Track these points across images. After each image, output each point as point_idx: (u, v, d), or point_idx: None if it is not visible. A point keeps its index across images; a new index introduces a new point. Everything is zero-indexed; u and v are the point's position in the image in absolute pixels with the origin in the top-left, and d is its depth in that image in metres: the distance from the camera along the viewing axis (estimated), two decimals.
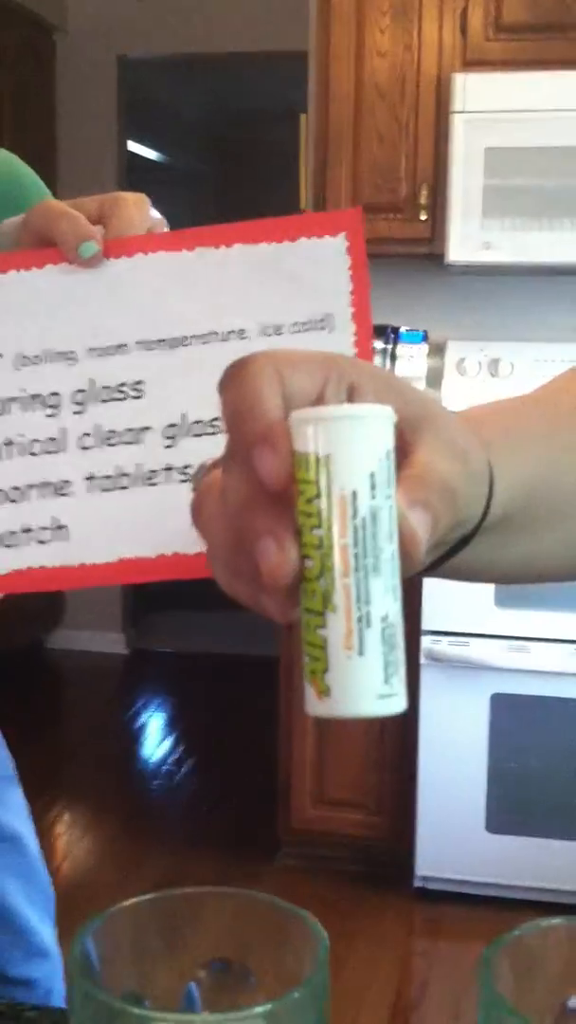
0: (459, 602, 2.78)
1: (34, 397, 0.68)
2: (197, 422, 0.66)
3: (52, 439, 0.67)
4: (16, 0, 4.51)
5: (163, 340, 0.67)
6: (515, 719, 2.81)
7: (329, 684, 0.45)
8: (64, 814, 3.47)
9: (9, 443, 0.68)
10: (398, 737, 2.90)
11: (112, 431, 0.67)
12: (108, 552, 0.66)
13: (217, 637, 5.13)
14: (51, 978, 1.40)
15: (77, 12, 4.91)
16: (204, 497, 0.49)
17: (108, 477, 0.67)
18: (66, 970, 0.50)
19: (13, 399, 0.68)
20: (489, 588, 2.75)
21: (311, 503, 0.44)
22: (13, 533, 0.67)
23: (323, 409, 0.44)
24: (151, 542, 0.66)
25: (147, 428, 0.67)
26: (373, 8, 3.03)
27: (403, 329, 3.24)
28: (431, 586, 2.76)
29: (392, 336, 3.22)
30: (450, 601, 2.77)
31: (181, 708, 4.51)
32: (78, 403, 0.67)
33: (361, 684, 0.45)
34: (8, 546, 0.67)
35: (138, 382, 0.67)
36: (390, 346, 3.22)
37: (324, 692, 0.45)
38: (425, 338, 3.28)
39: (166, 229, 0.73)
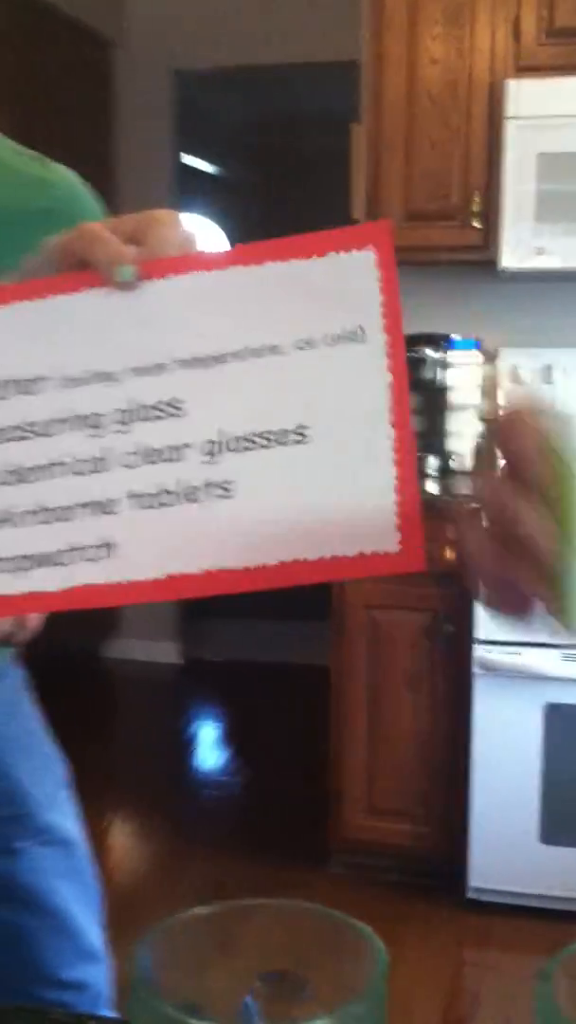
0: None
1: (79, 418, 0.69)
2: (235, 438, 0.67)
3: (96, 458, 0.69)
4: (74, 15, 4.55)
5: (199, 358, 0.68)
6: (569, 728, 2.78)
7: None
8: (117, 821, 3.49)
9: (55, 464, 0.69)
10: (450, 747, 2.88)
11: (153, 449, 0.68)
12: (155, 568, 0.67)
13: (268, 646, 5.14)
14: (101, 982, 1.41)
15: (134, 27, 4.95)
16: (467, 527, 0.61)
17: (151, 495, 0.68)
18: (128, 979, 0.50)
19: (60, 420, 0.70)
20: None
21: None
22: (61, 552, 0.68)
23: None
24: (196, 558, 0.66)
25: (187, 445, 0.68)
26: (426, 16, 3.03)
27: (456, 337, 3.23)
28: None
29: (445, 344, 3.21)
30: None
31: (233, 717, 4.52)
32: (121, 423, 0.69)
33: None
34: (57, 564, 0.68)
35: (177, 400, 0.68)
36: (443, 354, 3.20)
37: None
38: (478, 345, 3.26)
39: (198, 245, 0.73)
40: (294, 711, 4.38)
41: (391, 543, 0.64)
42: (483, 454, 3.19)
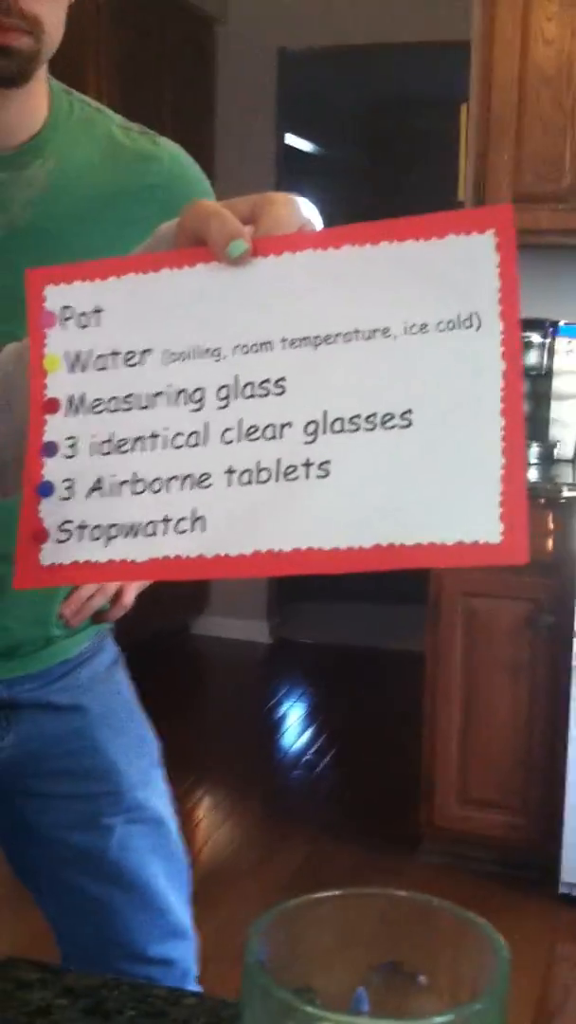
0: None
1: (179, 392, 0.69)
2: (338, 419, 0.66)
3: (195, 433, 0.69)
4: None
5: (307, 338, 0.68)
6: None
7: None
8: (205, 799, 3.52)
9: (154, 436, 0.70)
10: (546, 738, 2.85)
11: (253, 426, 0.68)
12: (245, 544, 0.67)
13: (359, 630, 5.13)
14: (187, 959, 1.42)
15: (238, 4, 4.95)
16: None
17: (248, 471, 0.67)
18: (242, 961, 0.50)
19: (159, 393, 0.70)
20: None
21: None
22: (153, 523, 0.69)
23: None
24: (289, 536, 0.66)
25: (288, 424, 0.67)
26: None
27: (562, 322, 3.18)
28: None
29: (551, 329, 3.15)
30: None
31: (323, 699, 4.53)
32: (222, 398, 0.69)
33: None
34: (149, 535, 0.68)
35: (281, 379, 0.68)
36: (548, 340, 3.15)
37: None
38: None
39: (318, 228, 0.73)
40: (385, 696, 4.37)
41: (494, 534, 0.62)
42: None
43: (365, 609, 5.12)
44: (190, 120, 4.73)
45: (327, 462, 0.66)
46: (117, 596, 1.35)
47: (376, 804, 3.45)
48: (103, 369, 0.71)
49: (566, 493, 2.80)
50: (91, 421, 0.71)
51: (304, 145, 6.87)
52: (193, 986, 1.43)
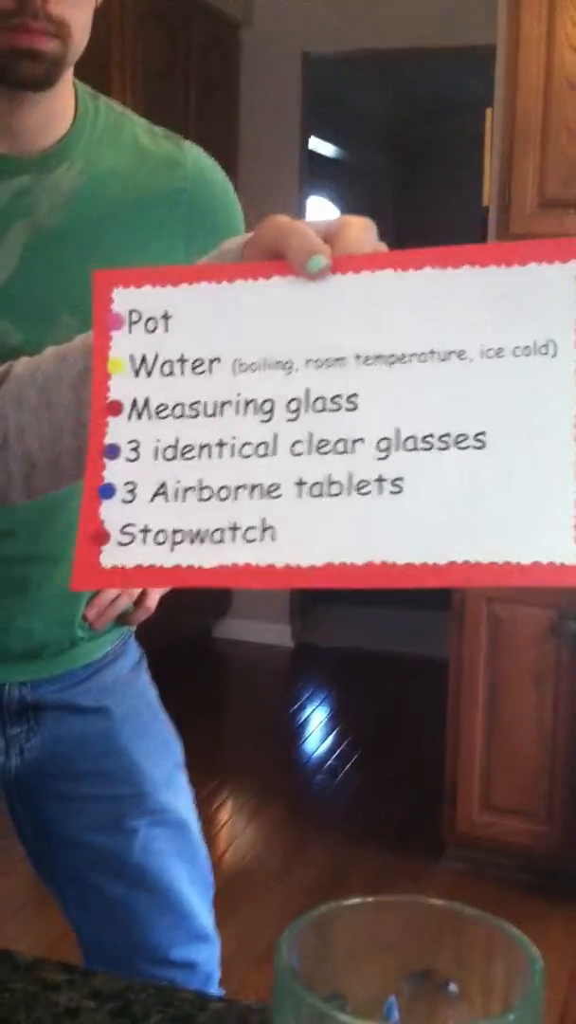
0: None
1: (248, 403, 0.70)
2: (411, 437, 0.68)
3: (263, 443, 0.70)
4: None
5: (381, 356, 0.69)
6: None
7: None
8: (228, 802, 3.52)
9: (220, 444, 0.70)
10: (571, 745, 2.84)
11: (324, 440, 0.69)
12: (315, 555, 0.67)
13: (382, 634, 5.12)
14: (210, 962, 1.42)
15: (263, 8, 4.95)
16: None
17: (318, 484, 0.68)
18: (274, 967, 0.50)
19: (227, 403, 0.71)
20: None
21: None
22: (220, 530, 0.69)
23: None
24: (361, 549, 0.67)
25: (360, 439, 0.68)
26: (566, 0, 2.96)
27: None
28: None
29: None
30: None
31: (345, 704, 4.52)
32: (292, 411, 0.70)
33: None
34: (217, 542, 0.69)
35: (353, 395, 0.69)
36: None
37: None
38: None
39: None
40: (409, 702, 4.36)
41: (569, 555, 0.64)
42: None
43: (388, 614, 5.11)
44: (214, 124, 4.74)
45: (400, 479, 0.67)
46: (140, 599, 1.35)
47: (399, 810, 3.44)
48: (169, 375, 0.72)
49: None
50: (155, 426, 0.72)
51: (328, 149, 6.88)
52: (215, 990, 1.43)
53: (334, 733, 4.15)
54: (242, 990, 2.35)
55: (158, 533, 0.70)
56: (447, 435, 0.67)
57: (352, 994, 0.55)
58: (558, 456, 0.65)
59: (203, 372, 0.71)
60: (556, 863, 2.90)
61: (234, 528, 0.69)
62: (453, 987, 0.55)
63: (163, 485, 0.71)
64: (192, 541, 0.69)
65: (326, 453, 0.68)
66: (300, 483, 0.68)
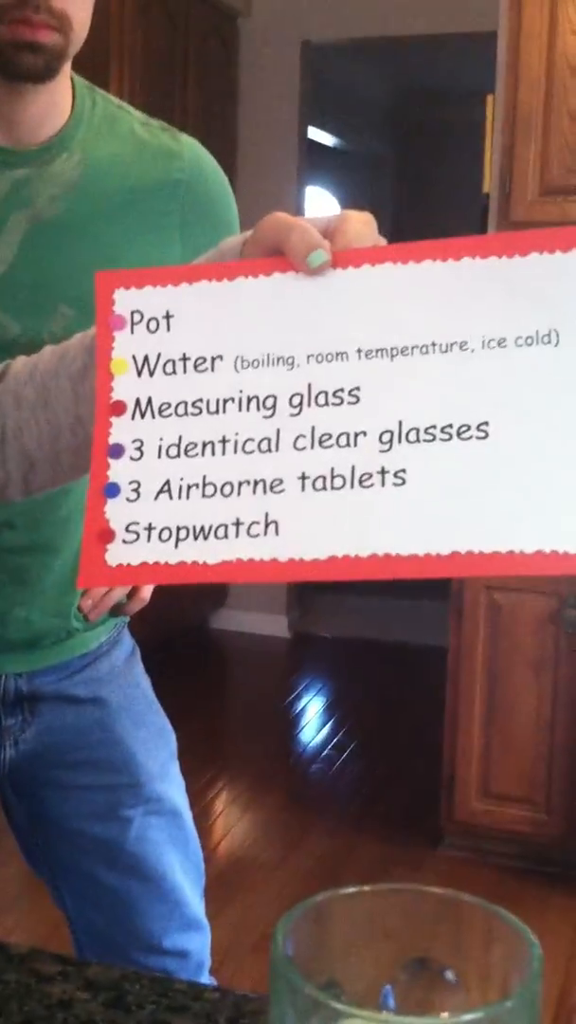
0: None
1: (251, 399, 0.71)
2: (413, 429, 0.68)
3: (266, 439, 0.70)
4: None
5: (383, 349, 0.69)
6: None
7: None
8: (224, 793, 3.52)
9: (223, 440, 0.71)
10: (569, 733, 2.84)
11: (327, 434, 0.69)
12: (319, 549, 0.68)
13: (379, 624, 5.12)
14: (202, 951, 1.43)
15: None
16: None
17: (321, 477, 0.69)
18: (271, 960, 0.50)
19: (230, 399, 0.71)
20: None
21: None
22: (225, 526, 0.69)
23: None
24: (364, 541, 0.67)
25: (362, 432, 0.68)
26: None
27: None
28: None
29: None
30: None
31: (342, 693, 4.52)
32: (294, 406, 0.70)
33: None
34: (220, 538, 0.69)
35: (355, 388, 0.69)
36: None
37: None
38: None
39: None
40: (406, 690, 4.36)
41: (573, 543, 0.64)
42: None
43: (385, 603, 5.11)
44: (213, 113, 4.72)
45: (403, 471, 0.67)
46: (134, 590, 1.36)
47: (397, 798, 3.44)
48: (172, 374, 0.73)
49: None
50: (158, 424, 0.72)
51: (327, 138, 6.86)
52: (207, 978, 1.43)
53: (331, 723, 4.16)
54: (238, 979, 2.35)
55: (163, 530, 0.70)
56: (450, 426, 0.67)
57: (349, 982, 0.54)
58: (562, 445, 0.65)
59: (205, 370, 0.72)
60: (554, 850, 2.90)
61: (237, 523, 0.69)
62: (450, 974, 0.55)
63: (167, 483, 0.71)
64: (196, 537, 0.70)
65: (329, 447, 0.69)
66: (303, 477, 0.69)
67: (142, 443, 0.72)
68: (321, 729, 4.11)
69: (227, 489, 0.70)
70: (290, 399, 0.70)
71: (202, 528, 0.70)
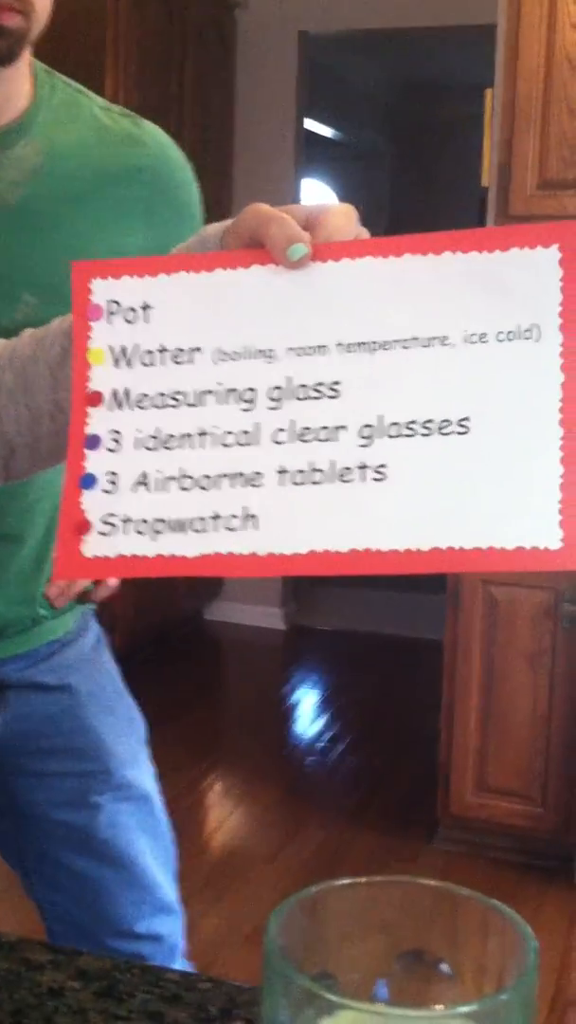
0: None
1: (230, 391, 0.70)
2: (394, 423, 0.67)
3: (245, 432, 0.70)
4: None
5: (363, 343, 0.69)
6: None
7: None
8: (218, 784, 3.52)
9: (202, 433, 0.70)
10: (566, 727, 2.84)
11: (307, 428, 0.69)
12: (298, 543, 0.67)
13: (375, 617, 5.12)
14: (175, 934, 1.45)
15: None
16: None
17: (301, 471, 0.68)
18: (264, 951, 0.49)
19: (208, 392, 0.71)
20: None
21: None
22: (203, 519, 0.69)
23: None
24: (344, 536, 0.67)
25: (342, 427, 0.68)
26: None
27: None
28: None
29: None
30: None
31: (338, 686, 4.52)
32: (274, 399, 0.70)
33: None
34: (198, 531, 0.69)
35: (336, 382, 0.69)
36: None
37: None
38: None
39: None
40: (402, 684, 4.36)
41: (554, 540, 0.64)
42: None
43: (381, 596, 5.11)
44: (210, 104, 4.71)
45: (383, 466, 0.67)
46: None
47: (392, 791, 3.44)
48: (150, 365, 0.72)
49: None
50: (136, 416, 0.72)
51: (324, 130, 6.84)
52: (181, 961, 1.45)
53: (326, 715, 4.16)
54: (233, 970, 2.35)
55: (140, 523, 0.70)
56: (430, 421, 0.67)
57: (343, 974, 0.54)
58: (543, 440, 0.65)
59: (184, 362, 0.71)
60: (550, 844, 2.90)
61: (216, 517, 0.69)
62: (445, 967, 0.55)
63: (145, 475, 0.71)
64: (174, 530, 0.69)
65: (308, 441, 0.68)
66: (282, 471, 0.68)
67: (119, 434, 0.72)
68: (316, 722, 4.12)
69: (205, 482, 0.69)
70: (270, 392, 0.69)
71: (180, 521, 0.69)
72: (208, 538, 0.68)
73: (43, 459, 0.88)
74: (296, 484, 0.68)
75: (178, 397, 0.71)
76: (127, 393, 0.72)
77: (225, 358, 0.70)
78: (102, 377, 0.73)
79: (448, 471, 0.66)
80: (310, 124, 5.82)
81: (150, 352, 0.72)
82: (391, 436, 0.67)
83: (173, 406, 0.71)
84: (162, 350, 0.72)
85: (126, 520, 0.70)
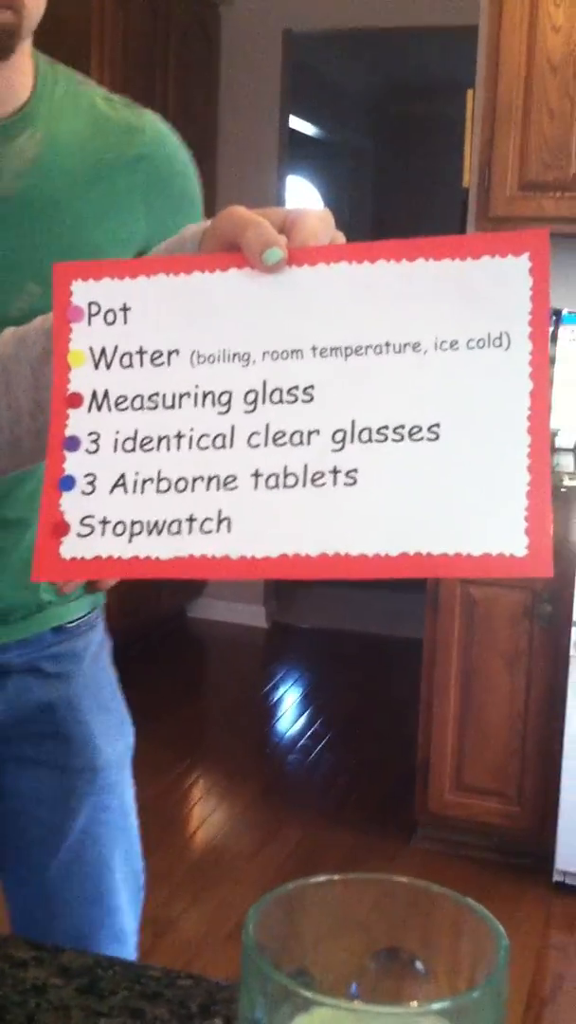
0: None
1: (206, 395, 0.71)
2: (366, 428, 0.68)
3: (220, 435, 0.70)
4: None
5: (337, 348, 0.69)
6: None
7: None
8: (200, 782, 3.52)
9: (179, 435, 0.70)
10: (542, 727, 2.85)
11: (280, 431, 0.69)
12: (271, 546, 0.68)
13: (356, 616, 5.13)
14: None
15: None
16: None
17: (274, 475, 0.69)
18: (242, 948, 0.50)
19: (185, 394, 0.71)
20: None
21: None
22: (178, 521, 0.69)
23: None
24: (315, 540, 0.67)
25: (315, 431, 0.69)
26: None
27: (565, 311, 3.17)
28: None
29: (554, 319, 3.15)
30: None
31: (319, 685, 4.53)
32: (249, 403, 0.70)
33: None
34: (174, 533, 0.69)
35: (310, 387, 0.69)
36: (551, 328, 3.14)
37: None
38: None
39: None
40: (382, 683, 4.37)
41: (520, 547, 0.65)
42: None
43: (362, 595, 5.12)
44: (193, 101, 4.70)
45: (354, 470, 0.67)
46: None
47: (371, 790, 3.45)
48: (128, 367, 0.72)
49: (566, 483, 2.80)
50: (115, 418, 0.72)
51: (308, 128, 6.84)
52: None
53: (307, 714, 4.16)
54: (213, 967, 2.36)
55: (117, 524, 0.70)
56: (401, 427, 0.67)
57: (319, 971, 0.55)
58: (511, 448, 0.66)
59: (162, 364, 0.72)
60: (526, 843, 2.92)
61: (191, 519, 0.69)
62: (420, 965, 0.56)
63: (122, 477, 0.71)
64: (150, 532, 0.70)
65: (282, 445, 0.69)
66: (256, 475, 0.69)
67: (98, 436, 0.72)
68: (298, 719, 4.12)
69: (181, 484, 0.70)
70: (245, 396, 0.70)
71: (156, 523, 0.69)
72: (182, 540, 0.69)
73: (24, 457, 0.88)
74: (269, 488, 0.68)
75: (156, 399, 0.71)
76: (107, 395, 0.72)
77: (202, 361, 0.71)
78: (82, 379, 0.73)
79: (418, 477, 0.66)
80: (294, 122, 5.82)
81: (129, 354, 0.72)
82: (363, 441, 0.68)
83: (151, 408, 0.71)
84: (141, 352, 0.72)
85: (104, 521, 0.70)
